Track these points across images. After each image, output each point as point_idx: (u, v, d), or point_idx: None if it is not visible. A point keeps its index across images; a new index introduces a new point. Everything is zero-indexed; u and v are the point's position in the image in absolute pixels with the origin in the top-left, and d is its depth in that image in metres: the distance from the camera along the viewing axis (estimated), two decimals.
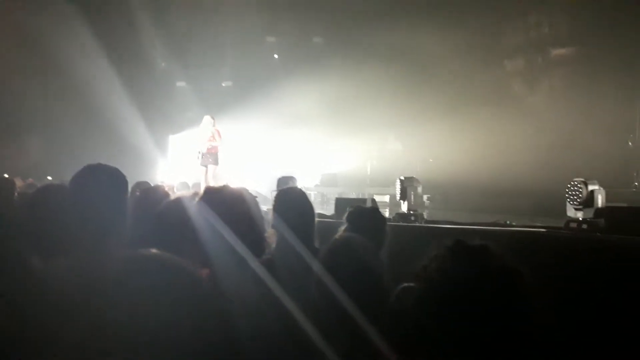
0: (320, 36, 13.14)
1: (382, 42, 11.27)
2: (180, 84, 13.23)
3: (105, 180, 1.89)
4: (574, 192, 5.05)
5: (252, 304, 1.59)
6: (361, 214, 2.86)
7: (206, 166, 9.20)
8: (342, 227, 2.78)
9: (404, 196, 5.67)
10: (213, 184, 8.15)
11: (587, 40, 10.58)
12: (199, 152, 9.22)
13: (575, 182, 5.08)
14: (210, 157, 9.28)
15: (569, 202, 5.05)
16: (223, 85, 13.47)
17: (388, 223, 5.37)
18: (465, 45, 10.45)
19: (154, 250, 0.84)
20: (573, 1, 10.32)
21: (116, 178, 1.93)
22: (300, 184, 6.66)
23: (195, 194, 2.33)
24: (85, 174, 1.89)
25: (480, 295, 0.99)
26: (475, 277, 1.00)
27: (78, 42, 10.77)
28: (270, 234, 1.82)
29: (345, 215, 2.87)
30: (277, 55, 13.64)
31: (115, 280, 0.78)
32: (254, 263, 1.69)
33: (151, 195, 2.68)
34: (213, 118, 9.43)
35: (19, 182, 5.91)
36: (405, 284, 1.79)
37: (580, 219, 4.87)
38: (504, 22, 10.37)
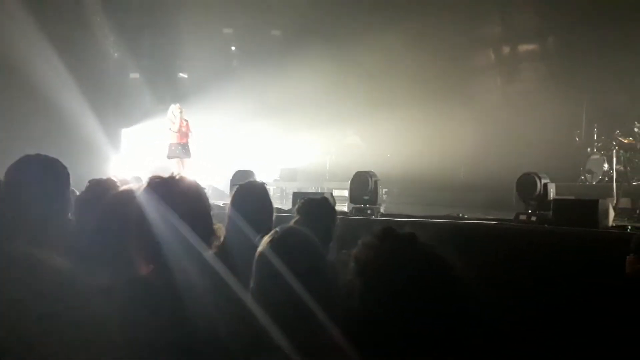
0: (279, 29, 13.04)
1: (340, 36, 11.32)
2: (134, 75, 12.84)
3: (43, 171, 1.81)
4: (523, 186, 5.23)
5: (205, 294, 1.56)
6: (311, 205, 2.86)
7: (178, 158, 8.84)
8: (294, 220, 2.77)
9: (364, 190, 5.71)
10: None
11: (539, 39, 10.95)
12: (170, 144, 8.80)
13: (525, 176, 5.26)
14: (182, 148, 8.89)
15: (519, 195, 5.22)
16: (179, 76, 13.18)
17: (346, 217, 5.42)
18: (422, 40, 10.60)
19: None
20: None
21: (55, 168, 1.85)
22: (259, 179, 6.60)
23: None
24: (21, 164, 1.80)
25: (407, 280, 1.02)
26: (401, 263, 1.03)
27: (27, 33, 10.28)
28: (219, 228, 1.77)
29: (296, 207, 2.87)
30: (235, 47, 13.46)
31: None
32: (206, 253, 1.66)
33: (99, 188, 2.58)
34: (180, 107, 9.02)
35: None
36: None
37: (530, 211, 5.05)
38: (460, 18, 10.57)
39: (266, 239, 1.69)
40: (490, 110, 10.58)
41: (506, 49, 11.47)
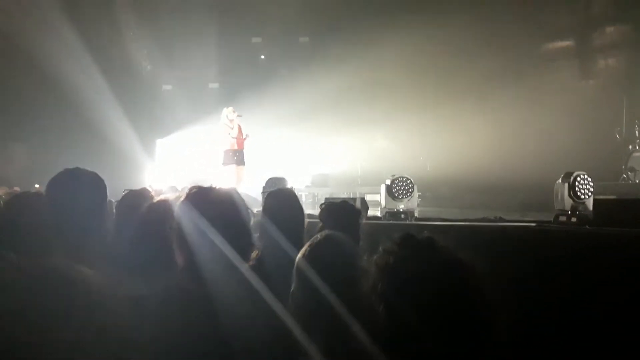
0: (307, 36, 13.11)
1: (368, 37, 11.26)
2: (167, 87, 13.13)
3: (82, 184, 1.85)
4: (562, 186, 5.07)
5: (241, 308, 1.56)
6: (330, 210, 2.83)
7: (235, 165, 8.20)
8: (318, 227, 2.76)
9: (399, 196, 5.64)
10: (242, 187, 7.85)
11: (577, 35, 10.69)
12: (226, 151, 8.20)
13: (564, 176, 5.11)
14: (238, 155, 8.25)
15: (558, 195, 5.06)
16: (210, 87, 13.39)
17: (379, 222, 5.37)
18: (453, 41, 10.47)
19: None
20: None
21: (94, 182, 1.90)
22: (291, 185, 6.62)
23: (179, 197, 2.29)
24: (62, 178, 1.85)
25: (425, 285, 1.01)
26: (419, 268, 1.03)
27: (63, 46, 10.65)
28: (258, 239, 1.76)
29: (318, 214, 2.85)
30: (264, 56, 13.59)
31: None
32: (242, 267, 1.65)
33: (136, 198, 2.64)
34: (235, 110, 8.37)
35: (3, 191, 5.83)
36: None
37: (570, 212, 4.89)
38: (491, 19, 10.40)
39: (305, 247, 1.69)
40: (526, 109, 10.35)
41: (541, 46, 11.22)
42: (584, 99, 9.55)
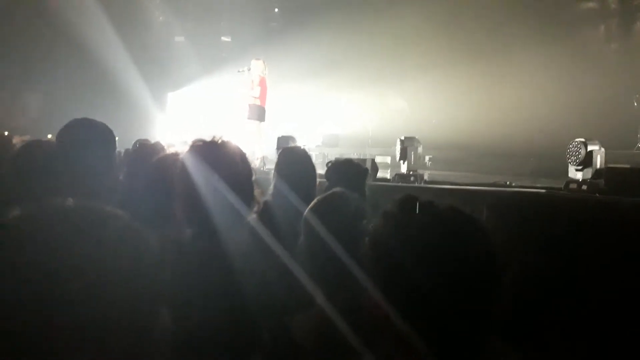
0: None
1: None
2: (179, 38, 12.96)
3: (92, 134, 1.87)
4: (573, 153, 5.02)
5: (248, 255, 1.59)
6: (336, 168, 2.83)
7: (257, 121, 7.99)
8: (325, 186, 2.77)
9: (403, 156, 5.63)
10: (261, 144, 7.73)
11: None
12: (251, 105, 7.97)
13: (575, 143, 5.05)
14: (256, 110, 7.98)
15: (570, 162, 5.02)
16: (222, 39, 13.19)
17: (387, 183, 5.37)
18: (471, 1, 10.17)
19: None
20: None
21: (103, 132, 1.91)
22: (301, 144, 6.60)
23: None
24: (72, 127, 1.87)
25: (424, 249, 0.99)
26: (425, 223, 1.01)
27: None
28: (259, 193, 1.79)
29: (324, 172, 2.86)
30: (278, 8, 13.30)
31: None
32: (249, 216, 1.68)
33: (147, 150, 2.65)
34: (264, 62, 8.01)
35: (18, 139, 5.87)
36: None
37: (580, 179, 4.86)
38: None
39: (313, 202, 1.72)
40: (541, 73, 10.11)
41: (563, 9, 10.86)
42: (605, 64, 9.31)
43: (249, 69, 8.12)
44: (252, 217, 1.72)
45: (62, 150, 1.87)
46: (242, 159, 1.72)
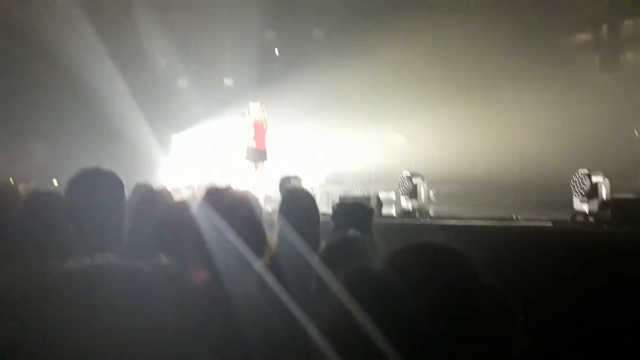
0: (320, 29, 13.07)
1: (385, 34, 11.19)
2: (182, 82, 13.21)
3: (101, 184, 1.88)
4: (578, 185, 5.03)
5: (255, 305, 1.58)
6: (343, 210, 2.83)
7: (254, 162, 8.23)
8: (332, 229, 2.77)
9: (414, 194, 5.60)
10: (262, 183, 7.82)
11: (596, 29, 10.53)
12: (249, 147, 8.24)
13: (580, 175, 5.06)
14: (252, 152, 8.22)
15: (575, 194, 5.02)
16: (224, 82, 13.44)
17: (394, 221, 5.36)
18: (469, 36, 10.37)
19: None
20: None
21: (111, 181, 1.92)
22: (305, 183, 6.63)
23: (196, 197, 2.32)
24: (80, 178, 1.88)
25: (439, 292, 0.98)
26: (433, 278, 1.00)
27: (80, 42, 10.78)
28: (271, 237, 1.81)
29: (330, 216, 2.85)
30: (278, 50, 13.59)
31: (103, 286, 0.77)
32: (257, 265, 1.68)
33: (153, 198, 2.66)
34: (261, 104, 8.33)
35: (22, 187, 5.90)
36: None
37: (587, 211, 4.85)
38: (509, 13, 10.27)
39: (325, 244, 1.70)
40: (541, 105, 10.22)
41: (560, 41, 11.06)
42: (602, 94, 9.41)
43: (249, 112, 8.38)
44: (258, 265, 1.72)
45: (69, 203, 1.88)
46: (255, 205, 1.75)
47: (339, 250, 1.66)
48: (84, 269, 0.79)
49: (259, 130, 8.34)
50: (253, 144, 8.29)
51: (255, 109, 8.32)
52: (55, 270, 0.79)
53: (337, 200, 5.82)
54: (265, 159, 8.47)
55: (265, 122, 8.41)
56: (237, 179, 8.23)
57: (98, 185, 1.88)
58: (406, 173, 5.86)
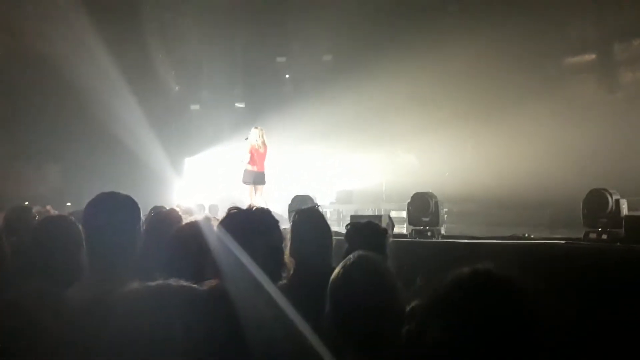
0: (330, 53, 13.27)
1: (394, 56, 11.31)
2: (194, 107, 13.43)
3: (118, 208, 1.93)
4: (591, 202, 4.98)
5: (266, 325, 1.59)
6: (356, 230, 2.83)
7: (252, 185, 8.48)
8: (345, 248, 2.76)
9: (435, 213, 5.57)
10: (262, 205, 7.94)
11: (603, 48, 10.55)
12: (246, 170, 8.50)
13: (593, 192, 5.02)
14: (257, 176, 8.48)
15: (587, 212, 4.97)
16: (236, 106, 13.64)
17: (405, 239, 5.35)
18: (478, 57, 10.44)
19: (161, 282, 0.87)
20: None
21: (129, 205, 1.97)
22: (316, 202, 6.64)
23: (208, 218, 2.36)
24: (98, 201, 1.93)
25: (483, 325, 1.00)
26: (478, 310, 1.01)
27: (96, 69, 11.03)
28: (288, 260, 1.82)
29: (344, 235, 2.85)
30: (288, 75, 13.79)
31: (128, 312, 0.80)
32: (269, 287, 1.69)
33: (164, 220, 2.71)
34: (260, 130, 8.62)
35: (37, 210, 6.00)
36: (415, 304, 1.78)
37: (600, 229, 4.80)
38: (516, 35, 10.33)
39: (338, 269, 1.68)
40: (553, 123, 10.20)
41: (568, 60, 11.09)
42: (612, 112, 9.38)
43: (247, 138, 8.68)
44: (272, 288, 1.73)
45: (87, 226, 1.93)
46: (275, 226, 1.77)
47: (358, 270, 1.65)
48: (147, 290, 0.83)
49: (258, 155, 8.59)
50: (250, 167, 8.54)
51: (254, 134, 8.59)
52: (119, 291, 0.83)
53: (347, 218, 5.81)
54: (264, 183, 8.65)
55: (265, 146, 8.63)
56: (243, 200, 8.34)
57: (116, 208, 1.93)
58: (417, 192, 5.84)
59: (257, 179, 8.59)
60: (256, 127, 8.76)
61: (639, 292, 3.41)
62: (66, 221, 2.16)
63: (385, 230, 2.93)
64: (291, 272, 2.39)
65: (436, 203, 5.56)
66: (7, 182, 10.78)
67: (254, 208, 1.78)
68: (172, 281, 0.87)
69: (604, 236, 4.69)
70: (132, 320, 0.79)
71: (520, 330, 1.01)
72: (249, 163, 8.53)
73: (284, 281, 1.85)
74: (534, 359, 1.02)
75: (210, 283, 0.83)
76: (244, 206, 1.83)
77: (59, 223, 2.17)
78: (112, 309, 0.81)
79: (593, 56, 10.80)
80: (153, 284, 0.85)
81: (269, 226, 1.75)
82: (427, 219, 5.51)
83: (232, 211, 1.76)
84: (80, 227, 2.01)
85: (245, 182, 8.60)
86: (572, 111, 10.16)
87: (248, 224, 1.73)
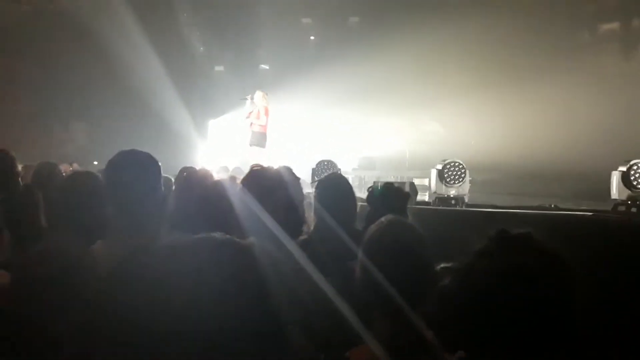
0: (356, 15, 12.97)
1: (421, 20, 11.01)
2: (219, 68, 13.34)
3: (137, 165, 1.94)
4: (621, 174, 4.87)
5: (285, 279, 1.60)
6: (379, 193, 2.80)
7: (258, 147, 8.56)
8: (367, 211, 2.74)
9: (457, 179, 5.53)
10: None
11: (633, 13, 10.13)
12: (254, 132, 8.61)
13: (623, 164, 4.90)
14: (256, 137, 8.60)
15: (615, 183, 4.86)
16: (260, 68, 13.52)
17: (429, 207, 5.32)
18: (504, 26, 10.11)
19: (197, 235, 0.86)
20: None
21: (148, 163, 1.98)
22: (338, 167, 6.63)
23: (233, 178, 2.38)
24: (118, 160, 1.95)
25: (523, 287, 0.98)
26: (518, 269, 0.99)
27: (121, 28, 11.01)
28: (310, 218, 1.86)
29: (366, 197, 2.83)
30: (313, 37, 13.55)
31: (164, 263, 0.79)
32: (289, 243, 1.71)
33: (194, 178, 2.74)
34: (264, 94, 8.74)
35: (65, 168, 6.11)
36: (443, 265, 1.76)
37: (629, 201, 4.70)
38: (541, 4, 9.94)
39: (372, 227, 1.67)
40: (582, 92, 9.90)
41: (598, 28, 10.68)
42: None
43: (252, 98, 8.74)
44: (292, 243, 1.75)
45: (109, 184, 1.95)
46: (295, 182, 1.83)
47: (389, 233, 1.63)
48: (189, 242, 0.83)
49: (263, 118, 8.67)
50: (263, 130, 8.60)
51: (263, 98, 8.65)
52: (160, 244, 0.82)
53: (369, 184, 5.81)
54: (264, 146, 8.70)
55: (267, 111, 8.68)
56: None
57: (136, 164, 1.95)
58: (444, 159, 5.78)
59: (264, 141, 8.64)
60: (261, 91, 8.84)
61: None
62: (91, 177, 2.18)
63: (407, 194, 2.90)
64: (310, 228, 2.41)
65: (464, 171, 5.50)
66: (37, 141, 10.99)
67: (273, 167, 1.81)
68: (216, 234, 0.86)
69: (634, 209, 4.59)
70: (177, 271, 0.78)
71: (571, 310, 0.99)
72: (259, 125, 8.58)
73: (304, 236, 1.87)
74: (570, 330, 1.00)
75: (248, 239, 0.83)
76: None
77: (84, 179, 2.19)
78: (151, 261, 0.80)
79: (622, 24, 10.37)
80: (197, 235, 0.84)
81: (289, 182, 1.81)
82: (454, 187, 5.47)
83: (255, 168, 1.80)
84: (100, 182, 2.03)
85: (254, 144, 8.64)
86: (602, 80, 9.84)
87: (268, 181, 1.78)
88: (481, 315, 1.00)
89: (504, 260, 1.01)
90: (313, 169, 5.84)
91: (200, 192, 2.24)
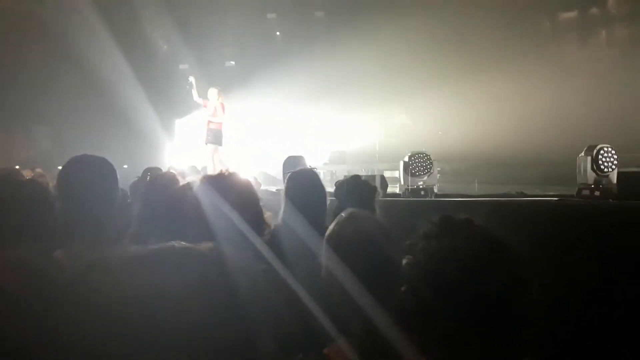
0: (322, 10, 12.94)
1: (387, 13, 11.07)
2: (183, 66, 13.14)
3: (91, 172, 1.88)
4: (584, 159, 4.99)
5: (253, 277, 1.59)
6: (345, 186, 2.81)
7: (214, 145, 8.44)
8: (335, 205, 2.74)
9: (427, 171, 5.58)
10: (218, 167, 8.02)
11: (599, 2, 10.39)
12: (209, 130, 8.48)
13: (586, 149, 5.03)
14: (212, 135, 8.44)
15: (581, 168, 4.99)
16: (226, 65, 13.36)
17: (399, 198, 5.36)
18: (471, 13, 10.25)
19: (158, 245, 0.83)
20: None
21: (103, 168, 1.91)
22: (309, 162, 6.61)
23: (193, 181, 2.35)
24: (70, 167, 1.89)
25: (465, 268, 0.99)
26: (459, 251, 1.01)
27: (84, 28, 10.73)
28: (269, 217, 1.86)
29: (333, 192, 2.83)
30: (279, 32, 13.47)
31: (126, 273, 0.77)
32: (256, 240, 1.71)
33: (160, 181, 2.68)
34: (219, 91, 8.60)
35: (27, 173, 5.93)
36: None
37: (593, 185, 4.83)
38: None
39: (333, 222, 1.67)
40: (548, 80, 10.13)
41: (561, 15, 10.92)
42: (608, 69, 9.31)
43: (193, 81, 8.88)
44: (258, 240, 1.75)
45: (62, 193, 1.87)
46: (249, 187, 1.87)
47: (348, 227, 1.64)
48: (151, 252, 0.79)
49: (219, 115, 8.54)
50: (214, 126, 8.48)
51: (217, 94, 8.53)
52: (116, 256, 0.79)
53: (340, 178, 5.81)
54: (221, 144, 8.54)
55: (223, 107, 8.54)
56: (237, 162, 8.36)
57: (90, 171, 1.88)
58: (411, 151, 5.83)
59: (220, 139, 8.50)
60: (215, 87, 8.72)
61: (631, 248, 3.45)
62: (28, 184, 2.07)
63: (374, 187, 2.91)
64: (271, 229, 2.41)
65: (430, 162, 5.56)
66: None
67: (227, 172, 1.83)
68: (175, 243, 0.83)
69: (597, 193, 4.72)
70: (137, 283, 0.75)
71: (511, 292, 1.00)
72: (215, 121, 8.45)
73: (267, 236, 1.88)
74: (524, 318, 1.01)
75: (207, 244, 0.81)
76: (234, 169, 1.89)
77: (19, 187, 2.09)
78: (113, 272, 0.77)
79: (591, 11, 10.64)
80: (156, 246, 0.81)
81: (242, 185, 1.86)
82: (421, 178, 5.52)
83: (208, 177, 1.82)
84: (49, 190, 1.93)
85: (210, 142, 8.47)
86: (564, 68, 10.09)
87: (224, 186, 1.79)
88: (420, 296, 1.01)
89: (442, 243, 1.03)
90: (283, 165, 5.80)
91: (166, 200, 2.20)
